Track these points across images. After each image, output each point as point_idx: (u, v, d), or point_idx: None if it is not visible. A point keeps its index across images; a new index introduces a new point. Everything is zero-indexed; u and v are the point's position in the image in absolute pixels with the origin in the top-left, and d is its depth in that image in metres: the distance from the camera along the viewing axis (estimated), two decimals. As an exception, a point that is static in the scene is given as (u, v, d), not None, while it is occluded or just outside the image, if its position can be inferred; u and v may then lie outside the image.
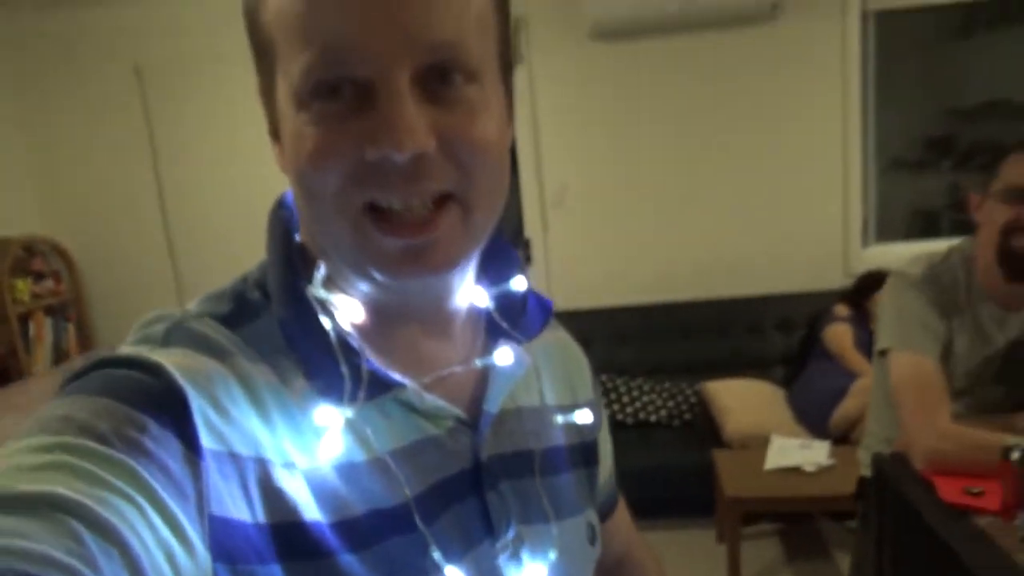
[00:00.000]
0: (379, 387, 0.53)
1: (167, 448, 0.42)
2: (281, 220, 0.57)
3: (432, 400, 0.56)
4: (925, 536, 1.07)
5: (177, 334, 0.50)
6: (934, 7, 3.28)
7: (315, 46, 0.45)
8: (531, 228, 3.56)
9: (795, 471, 2.57)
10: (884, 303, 1.63)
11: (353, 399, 0.51)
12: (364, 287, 0.53)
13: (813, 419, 2.91)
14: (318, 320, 0.52)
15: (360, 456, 0.52)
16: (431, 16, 0.45)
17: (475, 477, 0.58)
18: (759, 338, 3.41)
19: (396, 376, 0.54)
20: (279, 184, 0.54)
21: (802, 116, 3.34)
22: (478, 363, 0.60)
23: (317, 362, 0.51)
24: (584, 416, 0.69)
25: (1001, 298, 1.59)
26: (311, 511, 0.48)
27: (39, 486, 0.36)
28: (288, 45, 0.46)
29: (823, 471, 2.55)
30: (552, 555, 0.61)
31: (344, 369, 0.51)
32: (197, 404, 0.45)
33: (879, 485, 1.33)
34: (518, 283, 0.63)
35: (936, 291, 1.57)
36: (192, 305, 0.54)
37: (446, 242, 0.49)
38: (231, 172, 3.53)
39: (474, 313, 0.62)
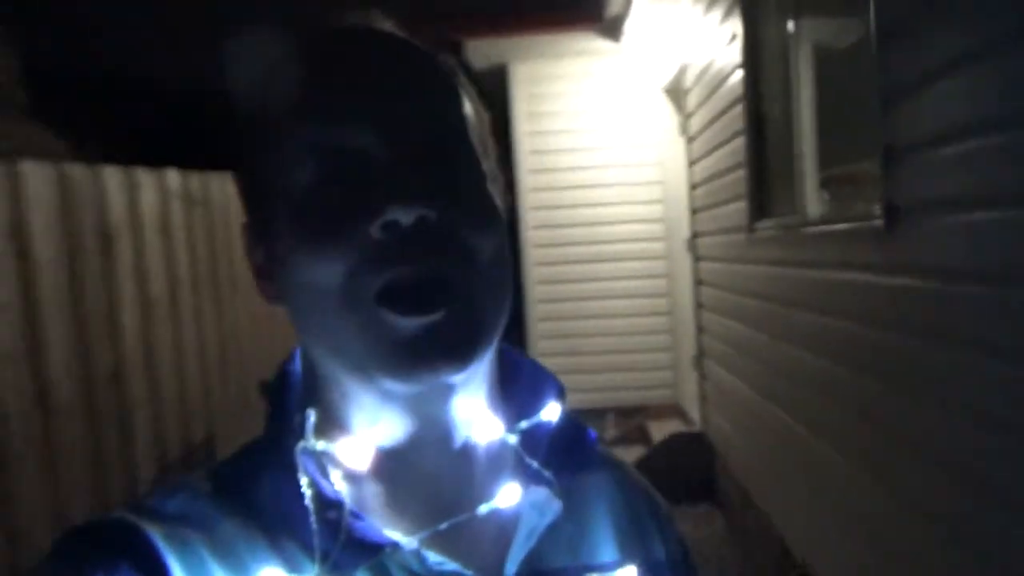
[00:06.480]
0: (364, 550, 0.46)
1: None
2: (280, 384, 0.54)
3: (437, 562, 0.47)
4: None
5: (171, 504, 0.49)
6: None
7: (314, 127, 0.47)
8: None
9: None
10: None
11: (325, 560, 0.45)
12: (370, 406, 0.49)
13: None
14: (298, 477, 0.47)
15: None
16: (424, 108, 0.48)
17: None
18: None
19: (386, 536, 0.47)
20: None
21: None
22: (481, 510, 0.50)
23: (300, 521, 0.47)
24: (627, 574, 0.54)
25: None
26: None
27: None
28: (289, 138, 0.47)
29: None
30: None
31: (315, 527, 0.46)
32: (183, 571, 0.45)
33: None
34: (550, 412, 0.53)
35: None
36: (201, 471, 0.53)
37: (459, 327, 0.46)
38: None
39: (500, 451, 0.53)
